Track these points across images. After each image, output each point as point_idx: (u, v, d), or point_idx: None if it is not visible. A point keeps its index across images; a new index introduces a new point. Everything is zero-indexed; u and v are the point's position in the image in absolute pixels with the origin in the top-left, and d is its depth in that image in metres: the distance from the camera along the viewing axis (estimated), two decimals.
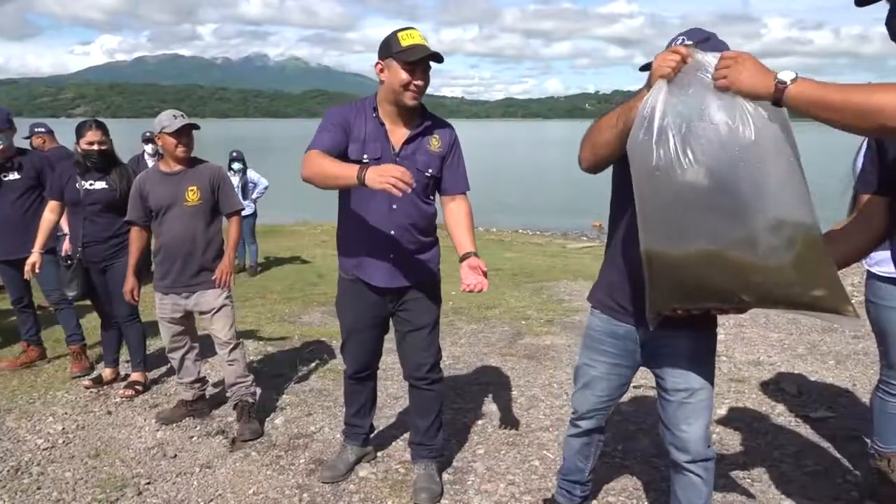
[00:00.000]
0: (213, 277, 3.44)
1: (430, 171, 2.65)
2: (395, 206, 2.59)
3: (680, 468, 2.19)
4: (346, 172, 2.27)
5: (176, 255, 3.43)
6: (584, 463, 2.49)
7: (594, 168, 2.02)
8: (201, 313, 3.53)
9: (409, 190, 2.15)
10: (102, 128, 3.89)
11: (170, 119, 3.36)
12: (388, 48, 2.49)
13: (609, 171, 2.10)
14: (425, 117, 2.67)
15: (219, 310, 3.49)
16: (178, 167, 3.45)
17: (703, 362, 2.14)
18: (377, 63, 2.55)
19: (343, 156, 2.50)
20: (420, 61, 2.47)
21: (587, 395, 2.33)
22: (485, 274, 2.46)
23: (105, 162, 3.87)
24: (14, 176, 4.28)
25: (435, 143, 2.65)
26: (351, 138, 2.55)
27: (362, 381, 3.04)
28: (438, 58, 2.49)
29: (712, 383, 2.16)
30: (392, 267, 2.69)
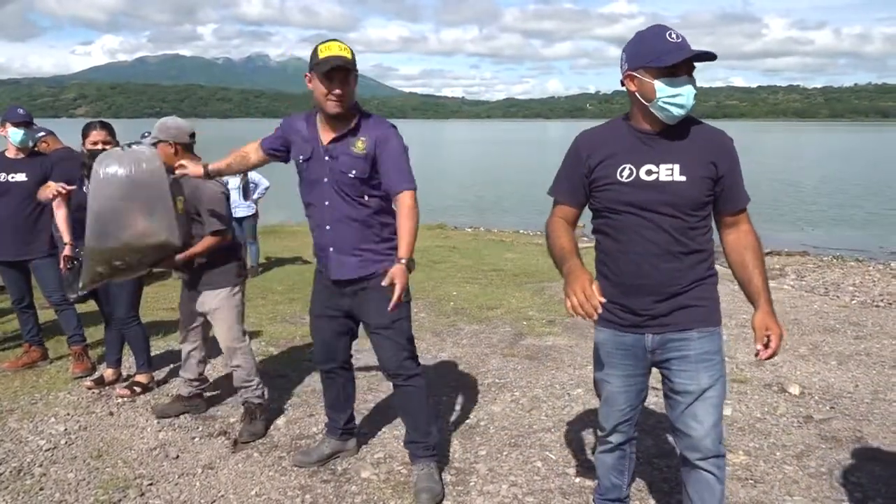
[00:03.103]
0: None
1: (354, 172, 2.70)
2: (327, 203, 2.77)
3: (691, 465, 2.17)
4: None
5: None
6: (619, 478, 2.45)
7: None
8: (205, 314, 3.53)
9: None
10: (108, 128, 3.91)
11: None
12: (310, 61, 2.64)
13: None
14: (359, 120, 2.73)
15: (215, 311, 3.49)
16: None
17: (712, 361, 2.14)
18: (306, 74, 2.70)
19: (286, 154, 2.91)
20: (335, 71, 2.57)
21: (609, 411, 2.34)
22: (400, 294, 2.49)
23: None
24: (21, 177, 4.26)
25: (360, 145, 2.71)
26: (294, 140, 2.84)
27: (328, 374, 3.11)
28: (349, 64, 2.59)
29: (723, 381, 2.16)
30: (337, 259, 2.80)
